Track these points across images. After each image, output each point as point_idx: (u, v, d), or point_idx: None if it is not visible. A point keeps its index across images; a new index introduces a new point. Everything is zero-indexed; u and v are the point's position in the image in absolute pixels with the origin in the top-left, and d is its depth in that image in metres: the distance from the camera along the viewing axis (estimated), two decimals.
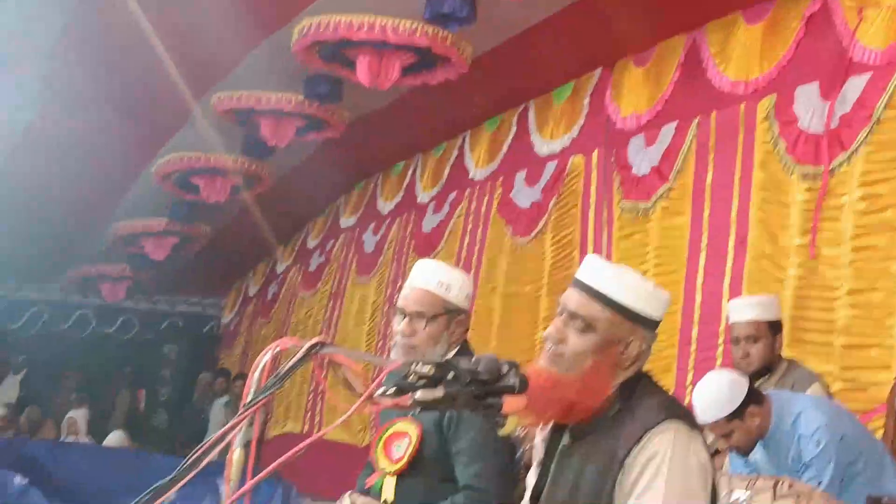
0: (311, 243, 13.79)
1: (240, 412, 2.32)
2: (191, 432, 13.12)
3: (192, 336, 18.60)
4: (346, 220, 12.61)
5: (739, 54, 6.58)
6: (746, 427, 4.40)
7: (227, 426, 2.30)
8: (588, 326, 2.60)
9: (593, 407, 2.60)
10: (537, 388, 2.50)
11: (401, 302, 3.59)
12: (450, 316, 3.58)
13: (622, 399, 2.61)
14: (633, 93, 7.54)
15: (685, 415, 2.62)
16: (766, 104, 6.36)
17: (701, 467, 2.54)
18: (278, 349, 2.43)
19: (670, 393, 2.78)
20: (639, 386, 2.64)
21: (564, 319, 2.63)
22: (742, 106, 6.55)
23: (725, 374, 4.59)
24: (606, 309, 2.60)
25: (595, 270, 2.66)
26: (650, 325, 2.65)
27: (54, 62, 8.49)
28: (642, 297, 2.63)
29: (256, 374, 2.39)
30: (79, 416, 12.46)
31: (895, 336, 5.37)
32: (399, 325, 3.57)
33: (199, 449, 2.22)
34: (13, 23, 7.77)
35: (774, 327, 5.15)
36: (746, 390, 4.42)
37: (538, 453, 2.81)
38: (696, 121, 6.93)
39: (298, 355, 2.38)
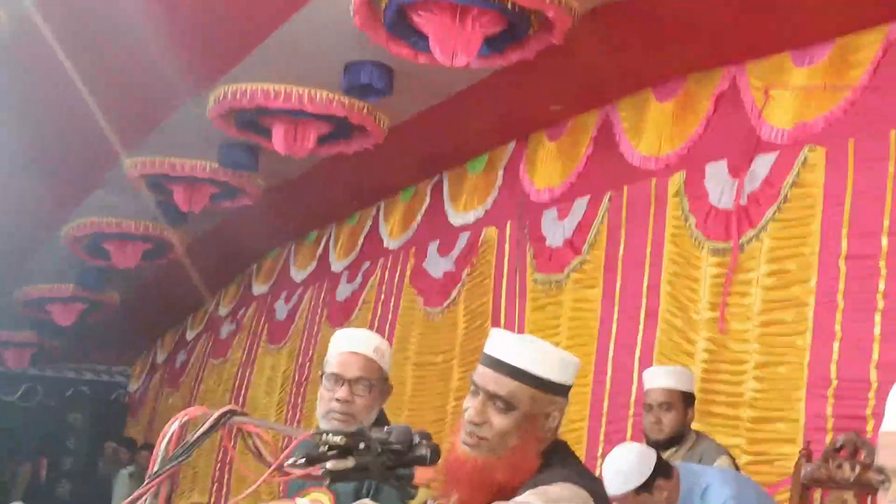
0: (223, 311, 13.66)
1: (145, 482, 2.27)
2: (95, 503, 12.82)
3: (98, 404, 18.22)
4: (259, 288, 12.52)
5: (651, 130, 6.70)
6: (655, 500, 4.40)
7: (131, 497, 2.25)
8: (509, 405, 2.55)
9: (523, 482, 2.54)
10: (463, 475, 2.50)
11: (336, 368, 3.46)
12: (382, 384, 3.52)
13: (537, 470, 2.58)
14: (547, 166, 7.62)
15: (590, 484, 2.59)
16: (676, 179, 6.47)
17: None
18: (186, 418, 2.39)
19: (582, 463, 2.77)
20: (553, 457, 2.61)
21: (482, 401, 2.58)
22: (653, 181, 6.66)
23: (634, 447, 4.61)
24: (525, 385, 2.56)
25: (505, 345, 2.61)
26: (566, 392, 2.64)
27: None
28: (556, 366, 2.61)
29: (163, 444, 2.34)
30: None
31: (801, 410, 5.45)
32: (335, 392, 3.44)
33: None
34: None
35: (687, 398, 5.20)
36: (654, 463, 4.43)
37: None
38: (608, 195, 7.03)
39: (208, 423, 2.34)
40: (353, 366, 3.46)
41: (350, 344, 3.53)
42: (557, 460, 2.61)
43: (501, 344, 2.62)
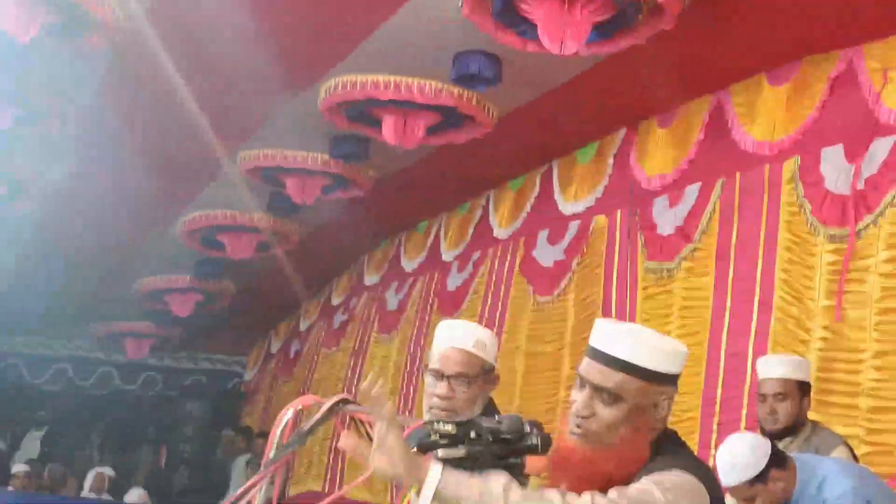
0: (336, 301, 13.80)
1: (261, 470, 2.31)
2: (213, 490, 13.08)
3: (215, 393, 18.62)
4: (370, 278, 12.62)
5: (764, 115, 6.59)
6: (770, 491, 4.33)
7: (246, 484, 2.29)
8: (616, 398, 2.54)
9: (633, 473, 2.53)
10: (572, 465, 2.50)
11: (438, 363, 3.48)
12: (486, 376, 3.52)
13: (649, 459, 2.57)
14: (658, 153, 7.55)
15: (704, 473, 2.57)
16: (791, 165, 6.37)
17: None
18: (300, 407, 2.42)
19: (693, 453, 2.75)
20: (663, 446, 2.60)
21: (589, 394, 2.57)
22: (767, 167, 6.55)
23: (748, 437, 4.54)
24: (631, 377, 2.54)
25: (609, 336, 2.59)
26: (674, 381, 2.62)
27: (88, 118, 8.58)
28: (663, 357, 2.58)
29: (278, 432, 2.38)
30: (101, 472, 12.45)
31: None
32: (435, 387, 3.46)
33: None
34: (46, 78, 7.88)
35: (803, 388, 5.11)
36: (770, 453, 4.36)
37: None
38: (720, 181, 6.94)
39: (321, 412, 2.38)
40: (452, 361, 3.47)
41: (450, 339, 3.54)
42: (669, 449, 2.60)
43: (605, 335, 2.60)
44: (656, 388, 2.57)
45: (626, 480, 2.51)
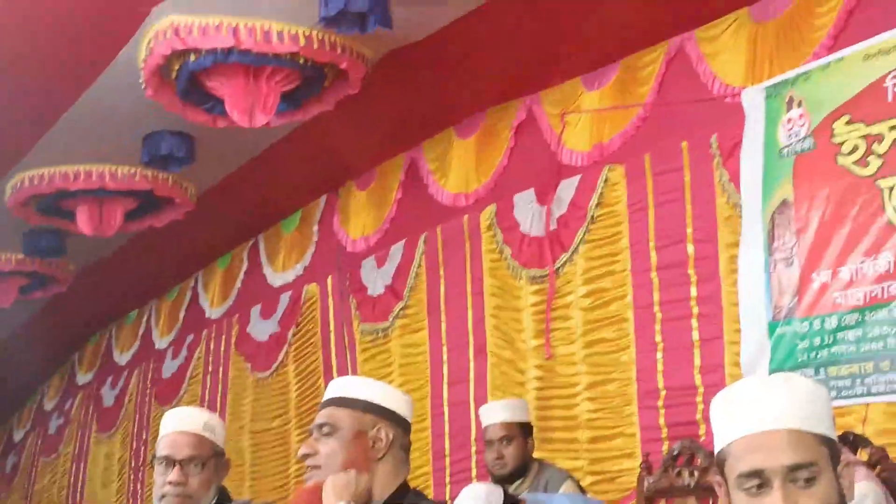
0: (48, 405, 13.23)
1: None
2: None
3: None
4: (83, 377, 12.19)
5: (456, 168, 6.76)
6: None
7: None
8: (333, 428, 2.64)
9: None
10: (309, 500, 2.56)
11: (167, 450, 3.32)
12: (217, 459, 3.39)
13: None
14: (360, 215, 7.63)
15: None
16: (487, 213, 6.55)
17: None
18: None
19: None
20: (408, 494, 2.66)
21: (314, 436, 2.68)
22: (465, 217, 6.72)
23: (481, 488, 4.56)
24: (347, 409, 2.66)
25: (337, 386, 2.76)
26: (395, 419, 2.69)
27: None
28: (379, 391, 2.72)
29: None
30: None
31: (635, 423, 5.54)
32: (166, 475, 3.30)
33: None
34: None
35: (526, 429, 5.22)
36: (502, 501, 4.42)
37: None
38: (423, 237, 7.06)
39: None
40: (182, 445, 3.33)
41: (177, 424, 3.40)
42: (412, 497, 2.67)
43: (334, 387, 2.76)
44: (371, 417, 2.67)
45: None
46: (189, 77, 5.79)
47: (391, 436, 2.66)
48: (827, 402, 1.91)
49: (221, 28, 5.46)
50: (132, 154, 7.00)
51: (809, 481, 1.82)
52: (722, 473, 1.92)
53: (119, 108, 6.47)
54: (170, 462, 3.32)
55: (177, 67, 5.75)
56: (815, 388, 1.90)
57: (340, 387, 2.74)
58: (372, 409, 2.67)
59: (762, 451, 1.82)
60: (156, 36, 5.56)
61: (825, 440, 1.85)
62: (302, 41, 5.56)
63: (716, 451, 1.93)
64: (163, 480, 3.33)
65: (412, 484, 2.76)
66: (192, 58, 5.64)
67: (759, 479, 1.82)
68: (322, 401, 2.74)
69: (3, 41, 5.81)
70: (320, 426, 2.67)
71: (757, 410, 1.85)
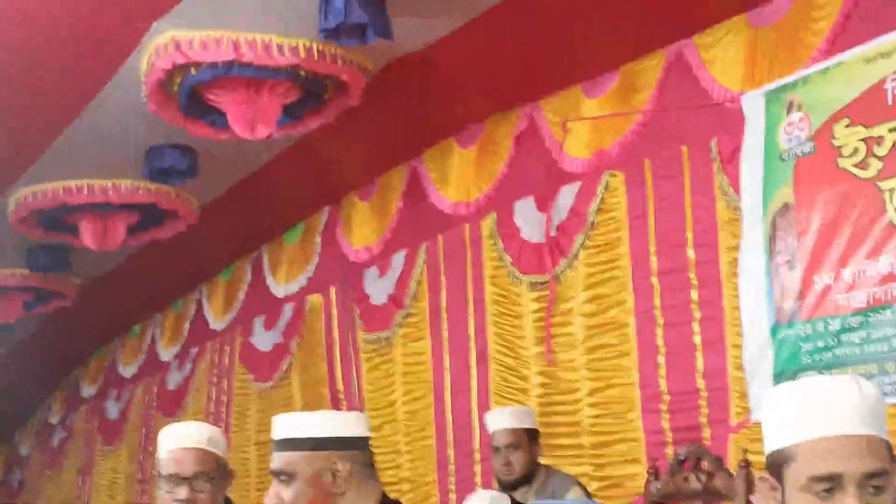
0: (53, 419, 13.25)
1: None
2: None
3: None
4: (87, 390, 12.20)
5: (457, 177, 6.79)
6: None
7: None
8: (289, 476, 2.69)
9: None
10: None
11: (173, 467, 3.31)
12: (221, 471, 3.39)
13: None
14: (362, 226, 7.66)
15: None
16: (488, 222, 6.57)
17: None
18: None
19: None
20: None
21: (275, 482, 2.73)
22: (466, 226, 6.74)
23: (486, 495, 4.59)
24: (298, 452, 2.69)
25: (280, 425, 2.77)
26: (348, 444, 2.72)
27: None
28: (325, 423, 2.75)
29: None
30: None
31: (639, 428, 5.55)
32: (175, 493, 3.30)
33: None
34: None
35: (532, 435, 5.24)
36: None
37: None
38: (424, 246, 7.09)
39: None
40: (188, 462, 3.32)
41: (181, 440, 3.39)
42: None
43: (277, 426, 2.78)
44: (324, 454, 2.69)
45: None
46: (190, 91, 5.82)
47: (349, 466, 2.70)
48: (885, 406, 1.90)
49: (222, 42, 5.49)
50: (135, 168, 7.03)
51: (879, 489, 1.81)
52: (776, 472, 1.89)
53: (121, 123, 6.49)
54: (178, 479, 3.32)
55: (178, 81, 5.78)
56: (879, 392, 1.89)
57: (287, 427, 2.76)
58: (322, 444, 2.70)
59: (840, 456, 1.80)
60: (157, 50, 5.59)
61: (889, 447, 1.85)
62: (302, 53, 5.59)
63: (770, 449, 1.90)
64: (171, 498, 3.33)
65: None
66: (194, 71, 5.67)
67: (832, 483, 1.81)
68: (272, 437, 2.77)
69: (4, 57, 5.85)
70: (276, 474, 2.71)
71: (831, 413, 1.83)
